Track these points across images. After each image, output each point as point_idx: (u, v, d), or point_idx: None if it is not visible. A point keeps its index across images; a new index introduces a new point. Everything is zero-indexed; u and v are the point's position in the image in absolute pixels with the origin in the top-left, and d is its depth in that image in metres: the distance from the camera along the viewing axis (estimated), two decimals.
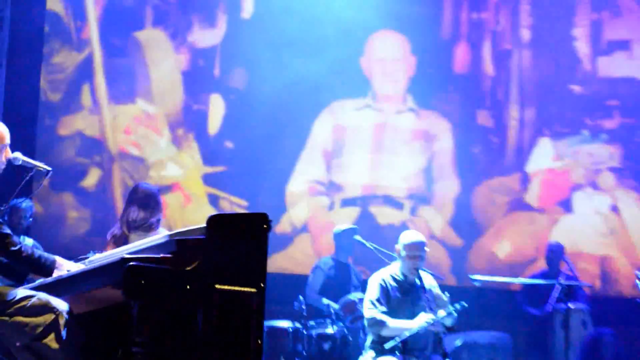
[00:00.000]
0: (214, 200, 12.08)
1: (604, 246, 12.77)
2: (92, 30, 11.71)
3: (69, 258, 6.11)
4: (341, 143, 12.47)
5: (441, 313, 7.69)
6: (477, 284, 9.14)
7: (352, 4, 11.96)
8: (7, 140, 5.99)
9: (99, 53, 11.80)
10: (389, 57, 12.74)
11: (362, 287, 9.80)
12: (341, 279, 10.20)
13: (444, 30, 12.88)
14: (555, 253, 11.18)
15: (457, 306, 7.70)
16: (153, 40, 12.08)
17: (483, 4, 13.04)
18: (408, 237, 8.18)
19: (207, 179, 12.11)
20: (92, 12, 11.63)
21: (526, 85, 12.94)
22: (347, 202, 12.38)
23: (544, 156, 12.91)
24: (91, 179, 11.76)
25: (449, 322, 7.80)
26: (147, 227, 7.95)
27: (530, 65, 12.98)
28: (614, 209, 12.89)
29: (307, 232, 12.14)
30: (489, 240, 12.55)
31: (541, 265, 11.73)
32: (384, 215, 12.35)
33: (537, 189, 12.88)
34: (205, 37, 12.21)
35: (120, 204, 11.58)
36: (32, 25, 11.14)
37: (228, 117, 12.20)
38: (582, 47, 13.04)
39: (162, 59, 12.07)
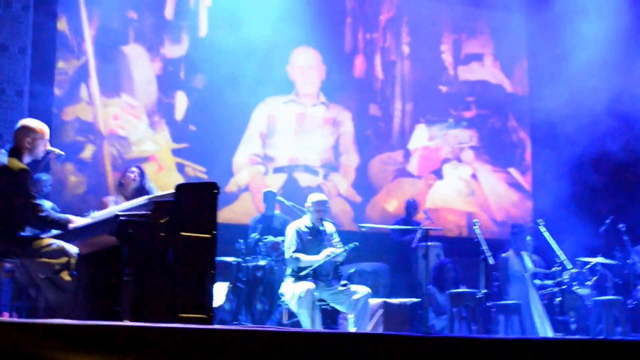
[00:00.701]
0: (181, 167, 11.81)
1: (466, 204, 13.12)
2: (88, 44, 11.38)
3: (71, 212, 6.29)
4: (273, 127, 12.35)
5: (338, 250, 7.82)
6: (364, 229, 9.37)
7: (280, 27, 11.89)
8: (48, 135, 6.08)
9: (93, 61, 11.43)
10: (307, 65, 12.69)
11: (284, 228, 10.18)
12: (266, 227, 10.19)
13: (346, 46, 12.99)
14: (411, 206, 11.49)
15: (351, 245, 7.78)
16: (135, 52, 11.77)
17: (374, 27, 13.15)
18: (314, 197, 8.20)
19: (176, 152, 11.83)
20: (87, 32, 11.25)
21: (406, 86, 13.12)
22: (277, 170, 12.29)
23: (421, 137, 13.10)
24: (87, 153, 11.41)
25: (341, 258, 7.89)
26: None
27: (410, 72, 13.18)
28: (474, 177, 13.25)
29: (248, 191, 12.01)
30: (381, 198, 12.69)
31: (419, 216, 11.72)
32: (304, 179, 12.34)
33: (416, 161, 13.04)
34: (173, 50, 11.94)
35: (110, 172, 11.39)
36: (48, 42, 10.89)
37: (192, 108, 11.90)
38: (447, 58, 13.35)
39: (142, 66, 11.75)
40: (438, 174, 13.21)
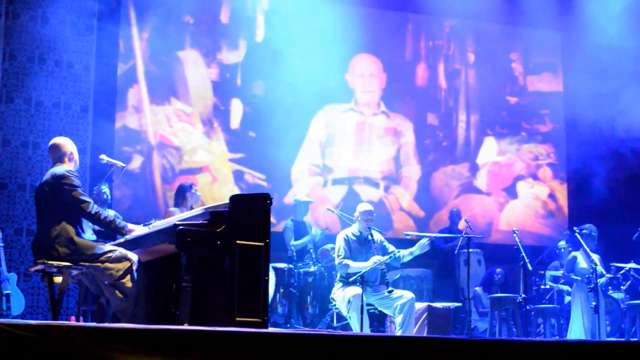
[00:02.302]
0: (239, 175, 12.17)
1: (544, 227, 13.35)
2: (137, 49, 11.86)
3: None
4: (332, 136, 12.76)
5: (384, 258, 8.56)
6: (408, 237, 10.36)
7: (339, 33, 12.28)
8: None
9: (141, 65, 11.83)
10: (367, 73, 13.13)
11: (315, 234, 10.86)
12: (301, 231, 10.85)
13: (407, 53, 13.43)
14: (454, 215, 12.12)
15: (396, 252, 8.63)
16: (191, 58, 12.22)
17: (438, 34, 13.56)
18: (362, 207, 8.90)
19: (233, 161, 12.19)
20: (136, 36, 11.86)
21: (471, 96, 13.44)
22: (336, 182, 12.68)
23: (490, 151, 13.41)
24: (134, 164, 11.66)
25: (400, 261, 8.73)
26: None
27: (474, 81, 13.48)
28: (551, 196, 13.46)
29: None
30: (445, 214, 12.79)
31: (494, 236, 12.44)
32: (365, 192, 12.72)
33: (484, 177, 13.35)
34: (230, 56, 12.40)
35: (159, 185, 11.70)
36: (110, 56, 11.68)
37: (249, 115, 12.29)
38: (517, 67, 13.63)
39: (198, 72, 12.24)
40: (510, 192, 13.45)
